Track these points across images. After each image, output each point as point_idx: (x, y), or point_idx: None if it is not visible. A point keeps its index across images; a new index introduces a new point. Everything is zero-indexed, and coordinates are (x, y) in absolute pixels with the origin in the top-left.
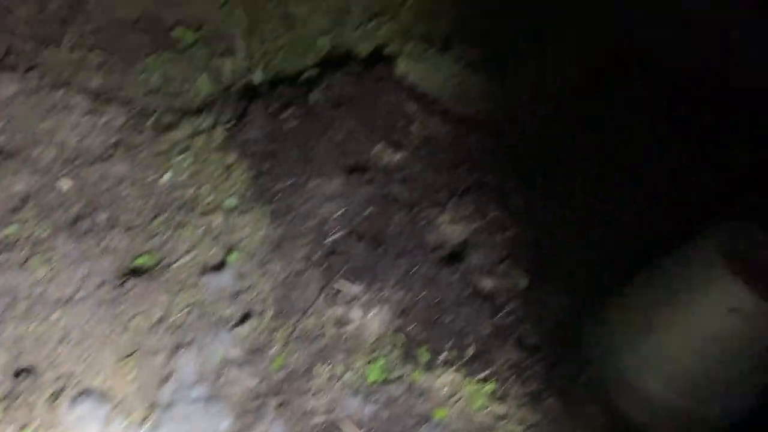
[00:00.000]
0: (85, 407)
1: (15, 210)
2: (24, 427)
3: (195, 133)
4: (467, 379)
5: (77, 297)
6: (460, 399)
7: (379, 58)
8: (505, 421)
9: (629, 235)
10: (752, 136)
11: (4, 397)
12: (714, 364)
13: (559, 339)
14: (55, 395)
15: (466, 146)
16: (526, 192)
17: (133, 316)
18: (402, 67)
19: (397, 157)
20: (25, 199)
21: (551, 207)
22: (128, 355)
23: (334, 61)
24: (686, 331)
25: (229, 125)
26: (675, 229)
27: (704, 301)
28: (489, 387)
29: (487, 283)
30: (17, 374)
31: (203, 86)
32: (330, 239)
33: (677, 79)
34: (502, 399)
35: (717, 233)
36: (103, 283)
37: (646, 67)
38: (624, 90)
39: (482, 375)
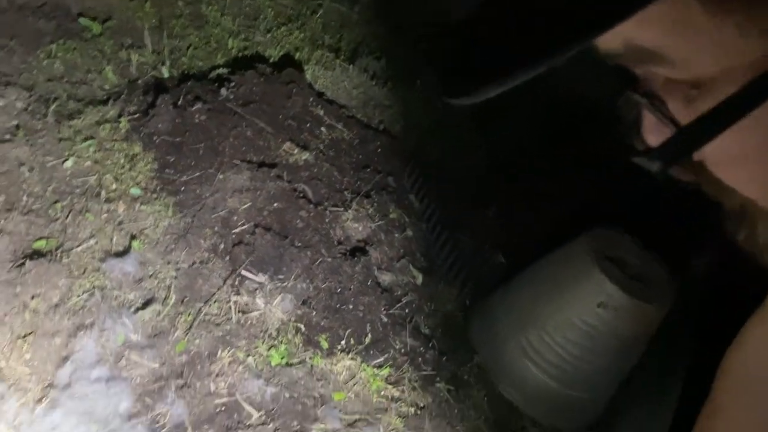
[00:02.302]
0: None
1: None
2: None
3: (99, 123)
4: (364, 364)
5: None
6: (357, 383)
7: (288, 62)
8: (399, 403)
9: (515, 237)
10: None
11: None
12: (584, 353)
13: (450, 330)
14: None
15: (369, 150)
16: (423, 195)
17: (31, 298)
18: (311, 73)
19: (305, 156)
20: None
21: (445, 209)
22: (24, 336)
23: (244, 62)
24: (561, 324)
25: (135, 116)
26: (558, 234)
27: (577, 296)
28: (384, 372)
29: (386, 278)
30: None
31: (109, 77)
32: (236, 230)
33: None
34: (396, 383)
35: (589, 238)
36: None
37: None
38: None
39: (378, 361)
